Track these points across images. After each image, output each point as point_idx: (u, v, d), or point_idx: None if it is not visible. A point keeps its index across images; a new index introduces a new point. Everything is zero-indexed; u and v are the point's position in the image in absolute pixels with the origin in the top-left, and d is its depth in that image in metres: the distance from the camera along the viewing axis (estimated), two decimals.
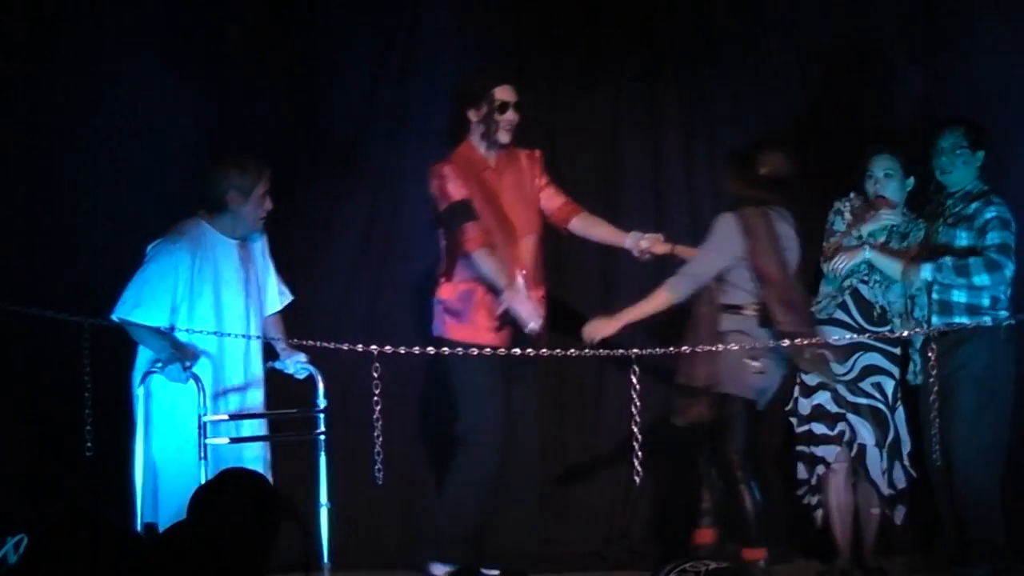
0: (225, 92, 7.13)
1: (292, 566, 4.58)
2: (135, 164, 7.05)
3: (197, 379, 5.74)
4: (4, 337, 6.73)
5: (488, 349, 6.11)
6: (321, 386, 6.10)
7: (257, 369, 6.02)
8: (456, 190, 6.23)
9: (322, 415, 6.07)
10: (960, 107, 6.87)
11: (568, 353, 6.08)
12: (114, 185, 7.05)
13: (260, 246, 6.13)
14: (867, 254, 6.43)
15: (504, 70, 6.49)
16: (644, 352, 5.82)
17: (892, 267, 6.44)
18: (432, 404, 7.04)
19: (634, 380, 5.69)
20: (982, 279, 6.30)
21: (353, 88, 7.17)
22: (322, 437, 6.06)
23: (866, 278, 6.49)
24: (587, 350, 6.10)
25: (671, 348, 5.98)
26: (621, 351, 6.01)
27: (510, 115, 6.31)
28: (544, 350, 6.00)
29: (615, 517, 7.06)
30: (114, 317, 5.85)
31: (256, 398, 6.00)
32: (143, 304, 5.81)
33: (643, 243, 6.37)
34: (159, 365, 5.77)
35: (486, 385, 6.24)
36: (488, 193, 6.31)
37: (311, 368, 6.11)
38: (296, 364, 6.08)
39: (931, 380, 6.28)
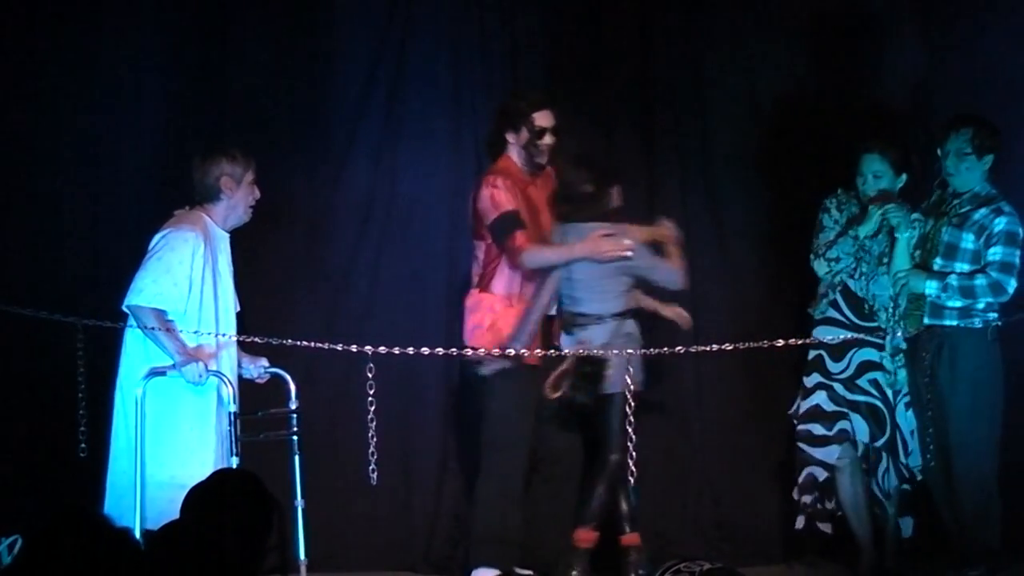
0: (224, 91, 7.13)
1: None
2: (134, 163, 7.04)
3: (220, 374, 5.83)
4: (0, 337, 6.73)
5: (469, 351, 6.12)
6: (292, 386, 6.09)
7: (235, 367, 6.08)
8: (508, 200, 6.33)
9: (295, 415, 6.07)
10: (959, 94, 6.85)
11: (564, 352, 6.10)
12: (113, 185, 7.04)
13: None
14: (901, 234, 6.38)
15: (544, 93, 6.57)
16: (639, 352, 5.82)
17: (903, 259, 6.39)
18: (453, 408, 7.06)
19: (628, 380, 5.70)
20: (987, 299, 6.28)
21: (348, 87, 7.16)
22: (295, 437, 6.06)
23: (852, 272, 6.47)
24: (583, 350, 6.11)
25: (665, 348, 5.99)
26: (616, 351, 6.02)
27: (548, 139, 6.43)
28: (539, 351, 6.02)
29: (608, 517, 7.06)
30: (128, 305, 5.83)
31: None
32: (165, 292, 5.81)
33: None
34: (173, 366, 5.78)
35: (519, 395, 6.32)
36: (531, 207, 6.44)
37: (274, 371, 6.14)
38: (259, 368, 6.14)
39: (925, 380, 6.34)
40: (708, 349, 6.15)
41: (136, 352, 5.90)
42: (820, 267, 6.50)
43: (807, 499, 6.52)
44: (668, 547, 6.79)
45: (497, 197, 6.34)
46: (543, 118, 6.43)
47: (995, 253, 6.27)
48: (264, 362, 6.15)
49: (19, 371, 6.87)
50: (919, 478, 6.51)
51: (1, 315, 6.17)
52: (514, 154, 6.47)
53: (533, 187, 6.50)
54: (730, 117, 7.18)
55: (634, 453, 5.64)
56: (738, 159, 7.09)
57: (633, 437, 5.61)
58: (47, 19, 7.02)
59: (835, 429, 6.46)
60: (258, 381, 6.12)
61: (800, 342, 6.29)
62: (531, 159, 6.45)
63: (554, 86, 7.11)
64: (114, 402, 5.93)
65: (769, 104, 7.19)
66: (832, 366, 6.47)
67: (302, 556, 6.05)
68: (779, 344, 6.17)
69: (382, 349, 5.73)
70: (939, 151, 6.36)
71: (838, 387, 6.47)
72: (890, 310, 6.44)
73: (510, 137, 6.46)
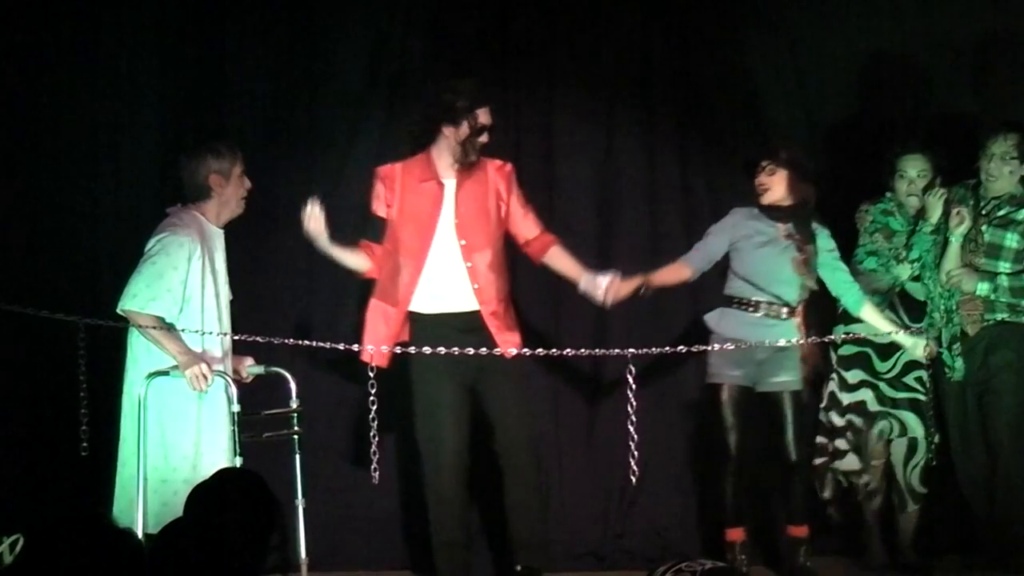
0: (223, 91, 7.13)
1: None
2: (134, 163, 7.04)
3: (224, 375, 5.82)
4: (1, 337, 6.73)
5: (471, 350, 6.08)
6: (293, 386, 6.10)
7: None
8: (375, 204, 6.28)
9: (295, 415, 6.09)
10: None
11: (564, 353, 6.09)
12: (113, 184, 7.04)
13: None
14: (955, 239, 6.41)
15: (484, 88, 6.37)
16: (640, 352, 5.82)
17: (951, 261, 6.42)
18: None
19: (630, 380, 5.70)
20: None
21: (348, 85, 7.16)
22: (296, 436, 6.08)
23: (917, 273, 6.50)
24: (583, 350, 6.10)
25: (667, 348, 6.00)
26: (617, 351, 6.02)
27: (485, 138, 6.25)
28: (540, 350, 6.02)
29: (611, 517, 7.06)
30: (123, 309, 5.82)
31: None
32: (159, 297, 5.79)
33: (600, 289, 6.28)
34: (176, 368, 5.78)
35: (437, 398, 6.18)
36: (423, 208, 6.22)
37: (275, 370, 6.14)
38: (247, 368, 6.13)
39: (926, 377, 6.37)
40: (709, 349, 6.15)
41: (142, 353, 5.90)
42: (903, 271, 6.49)
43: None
44: (668, 546, 6.83)
45: (370, 195, 6.30)
46: (485, 115, 6.22)
47: None
48: (250, 361, 6.15)
49: (20, 370, 6.88)
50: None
51: (2, 314, 6.17)
52: (442, 148, 6.24)
53: (437, 185, 6.22)
54: (731, 118, 7.18)
55: (636, 453, 5.64)
56: (740, 161, 7.08)
57: (635, 437, 5.61)
58: (47, 19, 7.02)
59: (876, 428, 6.49)
60: (244, 381, 6.08)
61: (796, 342, 6.29)
62: (464, 155, 6.21)
63: (554, 86, 7.12)
64: (121, 403, 5.93)
65: (772, 107, 7.19)
66: (879, 365, 6.52)
67: (303, 555, 6.07)
68: (780, 343, 6.18)
69: (383, 349, 5.73)
70: (981, 153, 6.41)
71: (883, 386, 6.51)
72: (941, 308, 6.46)
73: (447, 131, 6.21)
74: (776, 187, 6.45)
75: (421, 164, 6.27)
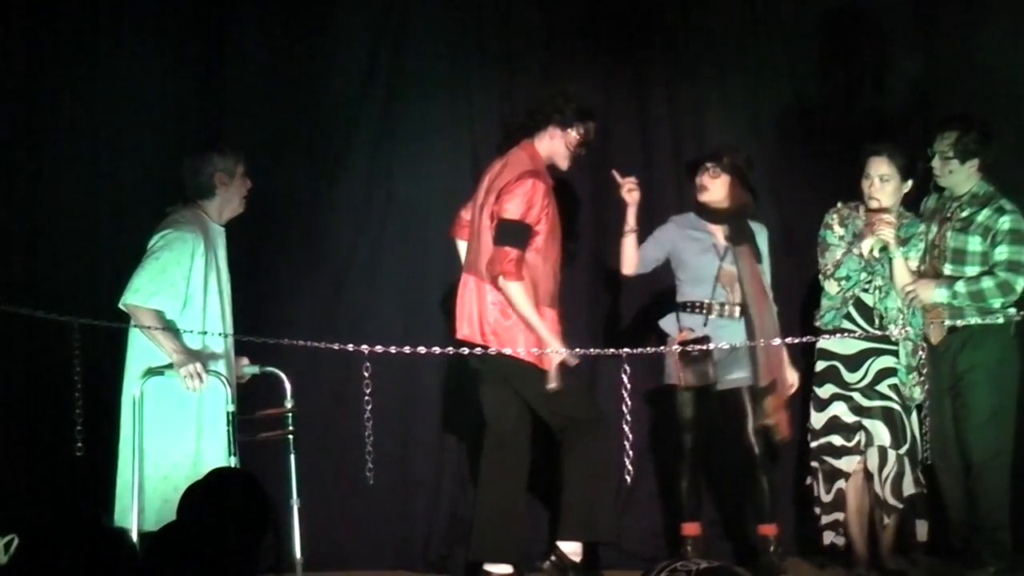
0: (223, 91, 7.15)
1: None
2: (134, 163, 7.05)
3: (219, 374, 5.85)
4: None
5: (466, 350, 6.09)
6: (288, 386, 6.12)
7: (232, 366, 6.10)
8: (531, 212, 6.02)
9: (290, 415, 6.12)
10: (958, 92, 6.86)
11: (558, 352, 6.10)
12: (113, 184, 7.06)
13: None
14: (895, 254, 6.36)
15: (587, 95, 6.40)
16: (635, 351, 5.84)
17: (902, 277, 6.38)
18: (450, 407, 7.04)
19: (625, 379, 5.72)
20: (996, 301, 6.30)
21: (346, 84, 7.18)
22: (291, 436, 6.10)
23: (867, 286, 6.44)
24: (578, 349, 6.12)
25: (662, 348, 6.01)
26: (612, 350, 6.04)
27: (583, 152, 6.26)
28: (535, 349, 6.02)
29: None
30: (125, 304, 5.84)
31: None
32: (161, 292, 5.83)
33: None
34: (171, 367, 5.80)
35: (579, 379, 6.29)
36: (554, 212, 6.19)
37: (270, 370, 6.16)
38: (242, 368, 6.16)
39: (921, 378, 6.35)
40: (704, 349, 6.16)
41: (140, 352, 5.92)
42: (831, 287, 6.45)
43: (839, 516, 6.51)
44: (664, 546, 6.85)
45: (528, 201, 6.01)
46: (592, 130, 6.23)
47: (1001, 252, 6.29)
48: (245, 361, 6.18)
49: (19, 370, 6.89)
50: (923, 482, 6.50)
51: (1, 315, 6.19)
52: (543, 148, 6.19)
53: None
54: (728, 120, 7.19)
55: (631, 452, 5.65)
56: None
57: (630, 436, 5.62)
58: (47, 19, 7.04)
59: (854, 440, 6.43)
60: (239, 381, 6.10)
61: (795, 341, 6.30)
62: (563, 161, 6.20)
63: (551, 86, 7.12)
64: (121, 401, 5.95)
65: (768, 107, 7.20)
66: (848, 376, 6.44)
67: (298, 555, 6.08)
68: (775, 343, 6.19)
69: (378, 348, 5.74)
70: (928, 151, 6.40)
71: (857, 396, 6.42)
72: (899, 323, 6.41)
73: (553, 131, 6.17)
74: (715, 190, 6.48)
75: (543, 168, 6.18)
